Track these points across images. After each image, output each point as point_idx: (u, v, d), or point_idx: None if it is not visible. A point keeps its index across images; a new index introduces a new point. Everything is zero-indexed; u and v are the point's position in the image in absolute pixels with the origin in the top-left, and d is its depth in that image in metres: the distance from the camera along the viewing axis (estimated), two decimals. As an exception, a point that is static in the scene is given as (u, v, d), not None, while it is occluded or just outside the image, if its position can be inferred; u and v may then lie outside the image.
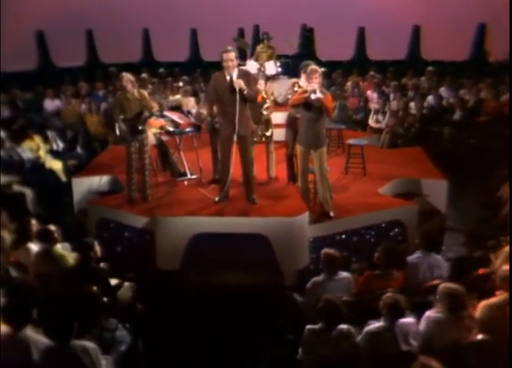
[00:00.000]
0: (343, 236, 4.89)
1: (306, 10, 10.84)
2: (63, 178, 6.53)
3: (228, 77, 4.67)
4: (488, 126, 7.73)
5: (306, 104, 4.75)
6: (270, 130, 5.64)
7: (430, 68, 9.59)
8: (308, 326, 3.17)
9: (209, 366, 3.82)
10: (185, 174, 5.70)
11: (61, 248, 4.06)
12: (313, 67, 4.88)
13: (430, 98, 8.50)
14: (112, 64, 10.51)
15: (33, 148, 6.56)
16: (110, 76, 9.91)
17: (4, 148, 6.33)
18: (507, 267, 3.32)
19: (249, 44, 9.41)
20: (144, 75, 9.63)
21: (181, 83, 9.26)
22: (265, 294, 4.17)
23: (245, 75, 4.76)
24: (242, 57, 9.02)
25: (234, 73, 4.67)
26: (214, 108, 4.89)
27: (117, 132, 7.52)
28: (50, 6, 9.78)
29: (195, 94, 8.66)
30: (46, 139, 7.09)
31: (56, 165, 6.62)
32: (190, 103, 7.73)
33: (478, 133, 7.69)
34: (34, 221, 4.14)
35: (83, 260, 3.85)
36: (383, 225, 5.06)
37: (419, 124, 7.95)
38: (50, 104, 8.74)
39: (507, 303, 3.15)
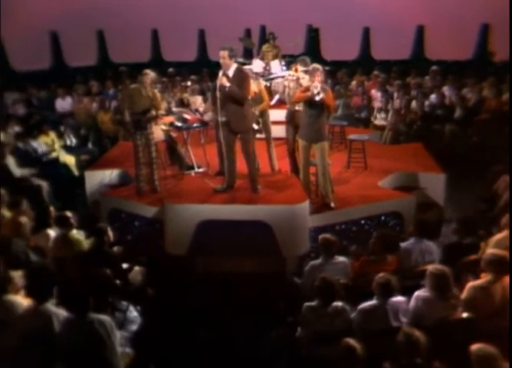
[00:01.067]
0: (343, 226, 5.12)
1: (311, 10, 11.03)
2: (75, 172, 6.83)
3: (220, 74, 4.82)
4: (489, 123, 7.89)
5: (309, 102, 4.98)
6: (259, 126, 5.74)
7: (434, 67, 9.72)
8: (306, 304, 3.41)
9: (214, 346, 4.07)
10: (192, 167, 5.96)
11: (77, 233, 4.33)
12: (315, 65, 5.11)
13: (432, 97, 8.69)
14: (122, 63, 10.81)
15: (48, 143, 6.86)
16: (120, 75, 10.22)
17: (21, 143, 6.64)
18: (491, 251, 3.53)
19: (254, 44, 9.66)
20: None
21: (189, 83, 9.52)
22: (267, 278, 4.42)
23: (239, 74, 4.87)
24: (248, 56, 9.28)
25: (231, 71, 4.85)
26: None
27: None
28: (63, 8, 10.10)
29: (202, 93, 8.94)
30: (60, 135, 7.40)
31: (69, 159, 6.93)
32: (197, 101, 7.98)
33: (479, 130, 7.87)
34: (52, 208, 4.42)
35: (98, 244, 4.12)
36: (382, 216, 5.28)
37: (421, 121, 8.14)
38: (62, 103, 9.08)
39: (491, 284, 3.37)
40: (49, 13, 9.99)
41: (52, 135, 7.05)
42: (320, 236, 4.03)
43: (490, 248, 3.87)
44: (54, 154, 6.83)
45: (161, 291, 4.33)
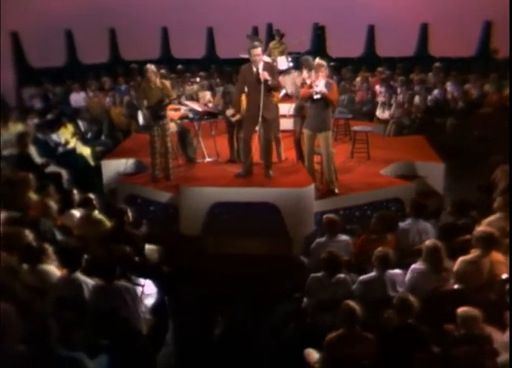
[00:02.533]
0: (347, 211, 5.42)
1: (318, 9, 11.30)
2: (91, 162, 7.19)
3: (254, 69, 5.23)
4: (489, 117, 8.16)
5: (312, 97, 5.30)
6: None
7: (437, 64, 9.97)
8: (312, 275, 3.73)
9: (225, 319, 4.38)
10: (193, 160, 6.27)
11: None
12: (319, 61, 5.43)
13: (435, 92, 8.96)
14: (132, 60, 11.17)
15: (66, 135, 7.24)
16: (131, 72, 10.59)
17: (41, 134, 7.02)
18: (481, 228, 3.83)
19: (262, 41, 9.96)
20: (163, 71, 10.27)
21: (198, 79, 9.88)
22: (275, 257, 4.73)
23: (270, 67, 5.33)
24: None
25: (260, 66, 5.23)
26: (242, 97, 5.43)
27: (140, 120, 8.24)
28: (77, 8, 10.49)
29: (210, 89, 9.28)
30: (77, 128, 7.77)
31: (85, 150, 7.28)
32: (206, 96, 8.35)
33: (480, 124, 8.14)
34: (75, 191, 4.77)
35: (118, 223, 4.46)
36: (384, 201, 5.58)
37: (423, 115, 8.42)
38: (77, 97, 9.45)
39: (480, 259, 3.66)
40: (64, 12, 10.38)
41: (70, 127, 7.42)
42: (325, 216, 4.35)
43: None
44: (71, 145, 7.20)
45: (176, 269, 4.64)
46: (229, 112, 6.07)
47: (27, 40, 10.32)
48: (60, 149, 7.03)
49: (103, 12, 10.73)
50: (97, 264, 3.52)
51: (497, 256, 3.73)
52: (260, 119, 5.19)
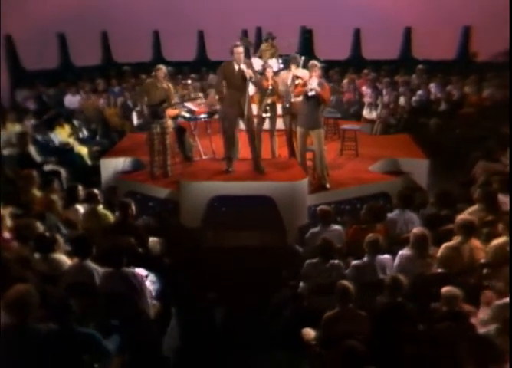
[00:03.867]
0: (338, 205, 5.72)
1: (305, 13, 11.66)
2: (88, 161, 7.39)
3: (236, 67, 5.47)
4: (469, 117, 8.57)
5: (305, 95, 5.59)
6: (269, 114, 6.36)
7: (420, 66, 10.36)
8: (308, 261, 4.00)
9: (223, 306, 4.62)
10: (190, 158, 6.51)
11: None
12: (313, 62, 5.74)
13: (419, 93, 9.35)
14: (124, 63, 11.36)
15: (63, 135, 7.42)
16: (124, 74, 10.78)
17: (39, 134, 7.19)
18: (462, 216, 4.15)
19: (252, 43, 10.26)
20: (154, 73, 10.48)
21: (189, 81, 10.12)
22: (271, 247, 5.00)
23: (250, 65, 5.60)
24: (247, 55, 9.88)
25: (242, 64, 5.48)
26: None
27: (134, 120, 8.44)
28: (70, 11, 10.65)
29: (202, 90, 9.54)
30: (73, 128, 7.95)
31: (82, 150, 7.47)
32: (198, 98, 8.60)
33: (461, 123, 8.54)
34: (80, 187, 4.98)
35: (123, 216, 4.68)
36: (372, 196, 5.90)
37: (408, 115, 8.79)
38: (71, 99, 9.61)
39: (461, 245, 3.97)
40: (57, 16, 10.54)
41: (67, 127, 7.60)
42: (318, 207, 4.64)
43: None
44: (68, 145, 7.38)
45: (176, 260, 4.86)
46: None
47: (20, 43, 10.44)
48: (59, 149, 7.21)
49: (95, 16, 10.92)
50: (106, 253, 3.74)
51: (476, 243, 4.05)
52: (245, 114, 5.43)
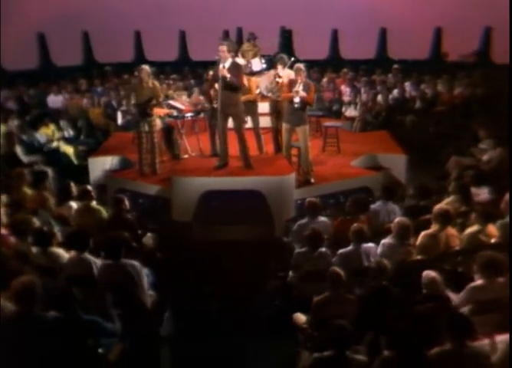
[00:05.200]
0: (322, 199, 5.94)
1: (285, 13, 11.92)
2: (75, 161, 7.45)
3: (220, 66, 5.61)
4: (442, 115, 8.99)
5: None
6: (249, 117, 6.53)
7: (395, 66, 10.77)
8: (297, 250, 4.23)
9: (215, 298, 4.79)
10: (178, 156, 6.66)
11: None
12: (298, 65, 5.97)
13: (395, 91, 9.73)
14: (106, 63, 11.38)
15: (48, 134, 7.45)
16: (106, 74, 10.81)
17: (23, 134, 7.20)
18: (438, 205, 4.45)
19: (233, 42, 10.43)
20: (137, 73, 10.55)
21: (171, 81, 10.24)
22: (260, 239, 5.20)
23: (235, 66, 5.67)
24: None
25: (227, 63, 5.62)
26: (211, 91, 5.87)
27: (119, 120, 8.52)
28: (50, 10, 10.62)
29: (185, 89, 9.68)
30: (58, 128, 7.98)
31: (68, 149, 7.52)
32: (183, 97, 8.74)
33: (435, 120, 8.94)
34: (73, 184, 5.07)
35: (116, 211, 4.80)
36: (354, 190, 6.17)
37: (386, 113, 9.14)
38: (54, 99, 9.59)
39: (438, 232, 4.25)
40: (37, 16, 10.49)
41: (52, 127, 7.64)
42: (307, 199, 4.87)
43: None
44: (54, 144, 7.42)
45: (168, 254, 5.01)
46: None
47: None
48: (45, 149, 7.24)
49: (76, 16, 10.91)
50: (105, 245, 3.87)
51: (452, 230, 4.36)
52: (223, 113, 5.56)
